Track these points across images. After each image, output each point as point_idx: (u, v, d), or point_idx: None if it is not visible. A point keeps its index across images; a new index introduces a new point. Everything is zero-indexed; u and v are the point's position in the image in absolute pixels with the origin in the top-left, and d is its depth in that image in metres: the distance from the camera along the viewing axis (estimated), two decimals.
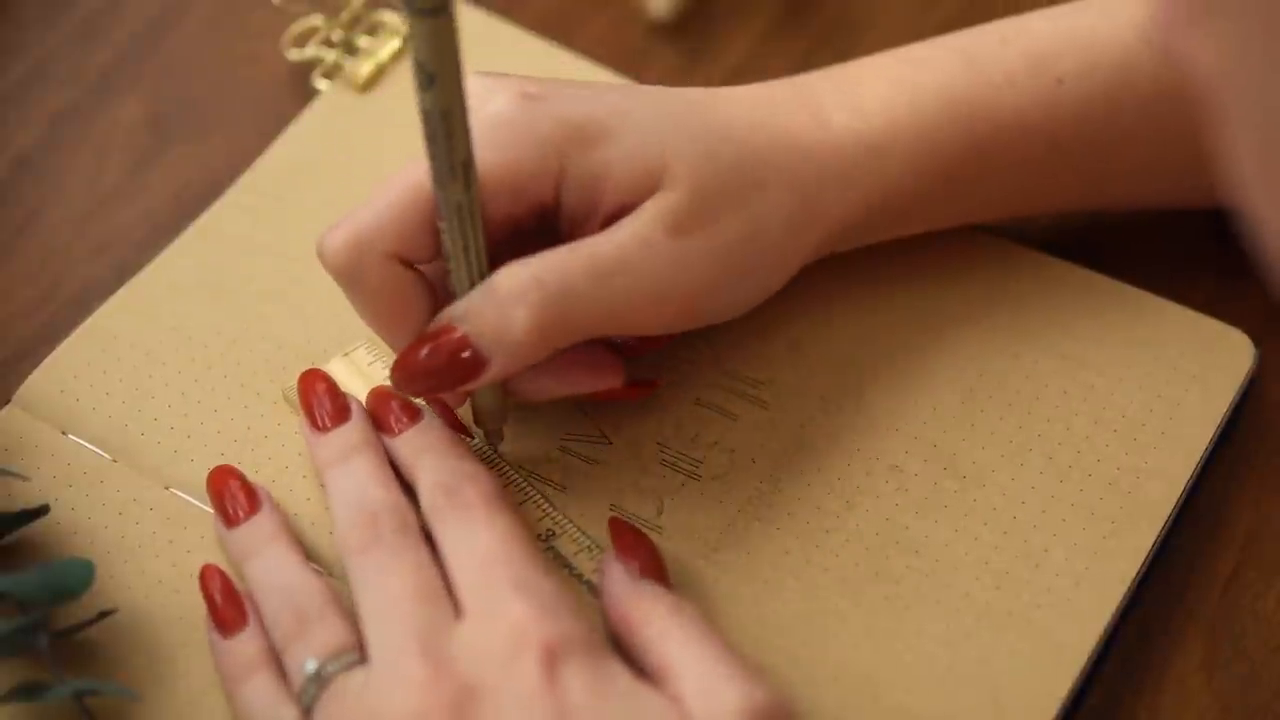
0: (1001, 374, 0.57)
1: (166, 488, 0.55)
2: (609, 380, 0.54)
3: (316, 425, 0.54)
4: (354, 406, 0.54)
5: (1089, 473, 0.55)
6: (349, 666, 0.49)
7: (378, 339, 0.55)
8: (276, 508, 0.54)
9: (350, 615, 0.50)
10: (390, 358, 0.54)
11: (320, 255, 0.52)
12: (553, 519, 0.54)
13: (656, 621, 0.49)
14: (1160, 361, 0.57)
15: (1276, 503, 0.56)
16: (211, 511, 0.54)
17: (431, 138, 0.49)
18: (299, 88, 0.66)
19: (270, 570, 0.52)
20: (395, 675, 0.48)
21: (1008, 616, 0.52)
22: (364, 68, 0.65)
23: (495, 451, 0.55)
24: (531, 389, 0.54)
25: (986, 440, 0.56)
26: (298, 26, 0.67)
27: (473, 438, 0.56)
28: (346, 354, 0.57)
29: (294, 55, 0.67)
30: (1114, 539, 0.54)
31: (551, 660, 0.47)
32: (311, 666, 0.49)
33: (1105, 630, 0.52)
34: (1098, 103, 0.55)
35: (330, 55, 0.66)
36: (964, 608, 0.53)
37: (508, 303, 0.50)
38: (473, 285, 0.51)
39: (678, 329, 0.54)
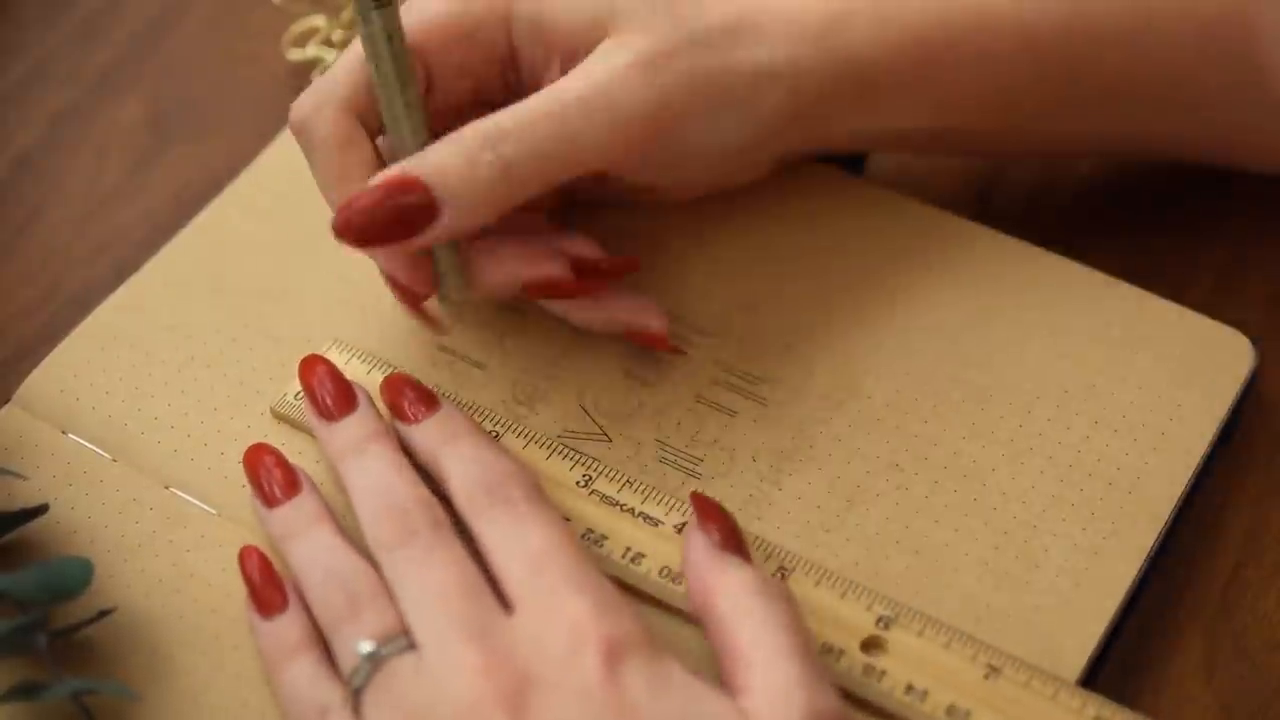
0: (1002, 373, 0.57)
1: (166, 487, 0.55)
2: (585, 249, 0.56)
3: (322, 413, 0.54)
4: (360, 394, 0.54)
5: (1089, 473, 0.55)
6: (402, 650, 0.48)
7: (348, 339, 0.55)
8: (317, 489, 0.53)
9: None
10: (364, 354, 0.54)
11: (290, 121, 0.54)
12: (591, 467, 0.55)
13: (740, 598, 0.48)
14: (1160, 361, 0.57)
15: (1276, 503, 0.56)
16: (212, 510, 0.54)
17: None
18: (299, 88, 0.66)
19: (317, 551, 0.51)
20: (449, 661, 0.47)
21: (1007, 617, 0.52)
22: None
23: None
24: (493, 271, 0.54)
25: (987, 440, 0.56)
26: (298, 26, 0.67)
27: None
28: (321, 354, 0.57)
29: (294, 55, 0.67)
30: (1114, 539, 0.54)
31: (612, 656, 0.46)
32: (366, 648, 0.48)
33: (1105, 630, 0.52)
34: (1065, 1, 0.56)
35: (330, 55, 0.66)
36: (963, 608, 0.52)
37: (474, 147, 0.51)
38: (406, 110, 0.53)
39: (651, 178, 0.56)
